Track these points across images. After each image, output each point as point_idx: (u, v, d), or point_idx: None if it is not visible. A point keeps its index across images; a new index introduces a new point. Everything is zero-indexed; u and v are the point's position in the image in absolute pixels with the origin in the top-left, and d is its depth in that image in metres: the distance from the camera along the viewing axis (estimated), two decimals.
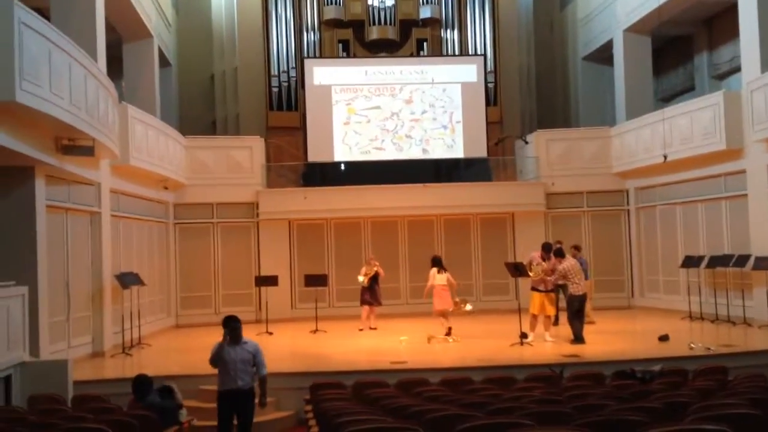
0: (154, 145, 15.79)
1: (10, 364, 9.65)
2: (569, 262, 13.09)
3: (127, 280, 14.01)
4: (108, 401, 8.43)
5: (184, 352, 13.84)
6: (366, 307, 15.92)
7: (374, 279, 15.77)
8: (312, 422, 7.32)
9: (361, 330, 15.78)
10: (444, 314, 14.26)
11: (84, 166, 12.41)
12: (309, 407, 8.27)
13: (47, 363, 10.34)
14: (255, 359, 7.96)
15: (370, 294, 15.79)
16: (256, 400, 8.04)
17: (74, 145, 11.07)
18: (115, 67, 16.25)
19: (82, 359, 12.63)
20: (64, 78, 10.12)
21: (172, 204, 18.28)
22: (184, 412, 8.46)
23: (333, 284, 18.23)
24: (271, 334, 15.30)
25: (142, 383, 8.09)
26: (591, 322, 14.38)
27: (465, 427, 4.49)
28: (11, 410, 7.87)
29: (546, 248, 13.58)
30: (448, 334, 13.96)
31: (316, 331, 15.65)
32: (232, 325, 7.90)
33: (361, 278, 15.90)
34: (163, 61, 19.68)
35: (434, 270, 14.43)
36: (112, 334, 13.90)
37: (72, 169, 11.85)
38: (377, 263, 15.93)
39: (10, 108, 8.93)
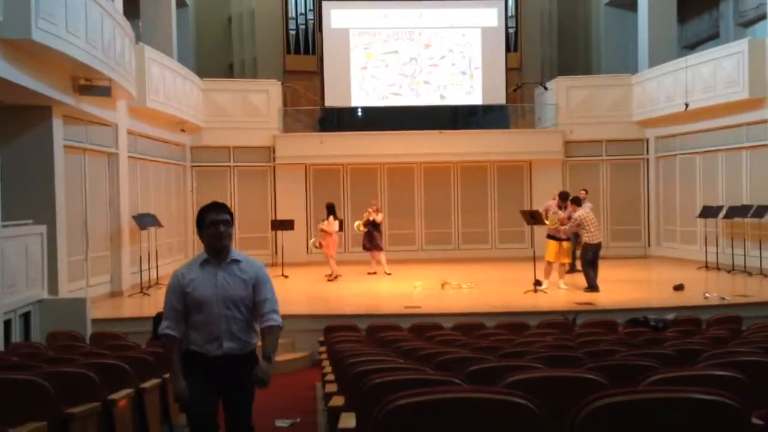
0: (171, 87, 15.74)
1: (28, 301, 9.83)
2: (584, 211, 13.04)
3: (145, 221, 14.12)
4: (126, 339, 8.57)
5: None
6: (372, 252, 16.12)
7: (373, 225, 15.88)
8: (325, 363, 7.39)
9: (370, 274, 16.01)
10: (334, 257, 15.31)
11: (101, 107, 12.42)
12: (323, 349, 8.35)
13: (66, 301, 10.54)
14: (257, 295, 4.45)
15: (369, 240, 15.96)
16: (257, 373, 4.37)
17: (91, 85, 11.07)
18: (131, 7, 16.10)
19: (100, 298, 12.82)
20: (80, 17, 10.05)
21: (189, 147, 18.29)
22: None
23: (349, 230, 18.27)
24: (286, 277, 15.43)
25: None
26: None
27: (475, 369, 4.52)
28: (30, 346, 8.02)
29: (563, 196, 13.52)
30: (335, 278, 15.19)
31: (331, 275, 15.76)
32: (211, 218, 4.42)
33: (356, 223, 16.15)
34: (180, 2, 19.47)
35: (332, 218, 15.27)
36: (130, 274, 14.07)
37: (89, 110, 11.87)
38: (372, 209, 15.95)
39: (26, 46, 8.92)
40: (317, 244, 15.48)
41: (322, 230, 15.38)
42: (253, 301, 4.47)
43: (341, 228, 16.58)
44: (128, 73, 12.66)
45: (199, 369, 4.39)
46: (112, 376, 5.61)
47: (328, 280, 15.10)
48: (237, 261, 4.49)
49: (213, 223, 4.41)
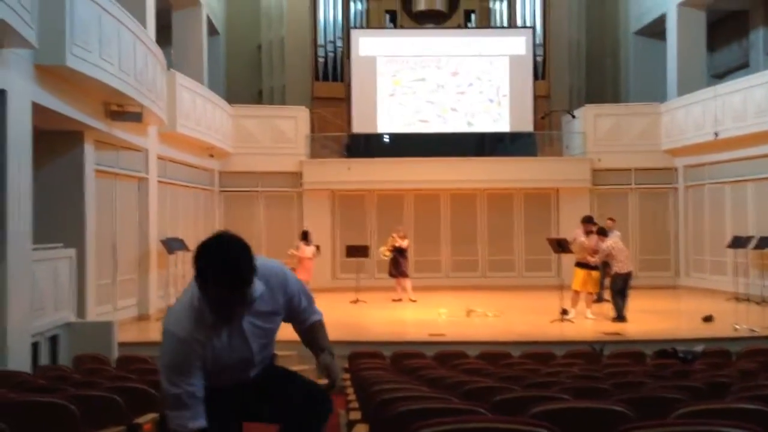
0: (201, 113, 15.94)
1: (57, 324, 9.92)
2: (613, 240, 12.93)
3: (173, 245, 14.23)
4: (152, 363, 8.60)
5: None
6: (398, 279, 16.09)
7: (399, 251, 15.90)
8: (350, 390, 7.36)
9: (394, 300, 16.02)
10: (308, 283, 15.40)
11: (132, 132, 12.59)
12: (347, 375, 8.32)
13: (93, 324, 10.61)
14: (293, 309, 3.39)
15: (394, 266, 15.97)
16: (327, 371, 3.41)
17: (123, 110, 11.24)
18: (164, 35, 16.38)
19: (127, 321, 12.91)
20: (114, 44, 10.24)
21: (218, 172, 18.47)
22: None
23: (374, 255, 18.28)
24: None
25: None
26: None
27: (500, 399, 4.49)
28: (57, 369, 8.08)
29: (585, 220, 13.37)
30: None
31: (356, 301, 15.74)
32: (218, 294, 2.88)
33: (381, 249, 16.18)
34: (212, 30, 19.77)
35: (302, 243, 15.55)
36: (157, 298, 14.15)
37: (120, 135, 12.04)
38: (397, 235, 15.99)
39: (60, 72, 9.10)
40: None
41: (292, 255, 15.53)
42: (293, 316, 3.42)
43: (366, 254, 16.64)
44: (159, 99, 12.85)
45: (220, 401, 3.25)
46: (138, 399, 5.62)
47: None
48: (257, 297, 3.13)
49: (221, 303, 2.93)
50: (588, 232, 13.07)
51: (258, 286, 3.08)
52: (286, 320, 3.43)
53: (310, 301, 3.51)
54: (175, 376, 2.99)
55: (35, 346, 9.27)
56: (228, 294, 2.86)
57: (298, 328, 3.52)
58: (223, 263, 2.81)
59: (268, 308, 3.19)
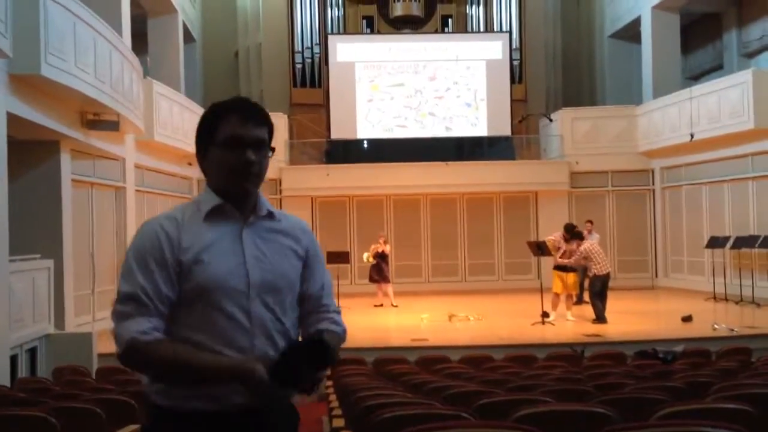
0: (179, 120, 15.87)
1: (35, 335, 9.82)
2: (590, 243, 12.99)
3: None
4: (132, 374, 8.52)
5: None
6: (379, 284, 16.07)
7: (381, 257, 15.85)
8: (332, 397, 7.34)
9: (376, 306, 15.96)
10: None
11: (109, 141, 12.50)
12: (329, 383, 8.30)
13: (72, 335, 10.52)
14: (309, 278, 2.37)
15: (376, 271, 15.90)
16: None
17: (99, 119, 11.17)
18: (139, 43, 16.29)
19: (106, 333, 12.77)
20: (89, 52, 10.17)
21: (196, 180, 18.37)
22: None
23: (355, 261, 18.24)
24: None
25: None
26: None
27: (484, 403, 4.49)
28: (36, 381, 7.99)
29: (567, 229, 13.40)
30: None
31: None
32: (236, 133, 2.26)
33: (365, 255, 16.08)
34: (188, 37, 19.68)
35: None
36: None
37: (97, 144, 11.95)
38: (381, 241, 15.96)
39: (35, 82, 9.02)
40: None
41: None
42: (302, 290, 2.38)
43: (347, 260, 16.57)
44: (136, 108, 12.77)
45: None
46: (119, 411, 5.57)
47: None
48: (272, 215, 2.35)
49: (238, 143, 2.26)
50: (567, 239, 13.12)
51: (274, 209, 2.38)
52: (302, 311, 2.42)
53: (330, 286, 2.49)
54: (143, 266, 2.18)
55: (14, 359, 9.16)
56: (241, 129, 2.27)
57: (311, 329, 2.38)
58: (243, 102, 2.41)
59: (284, 240, 2.35)
